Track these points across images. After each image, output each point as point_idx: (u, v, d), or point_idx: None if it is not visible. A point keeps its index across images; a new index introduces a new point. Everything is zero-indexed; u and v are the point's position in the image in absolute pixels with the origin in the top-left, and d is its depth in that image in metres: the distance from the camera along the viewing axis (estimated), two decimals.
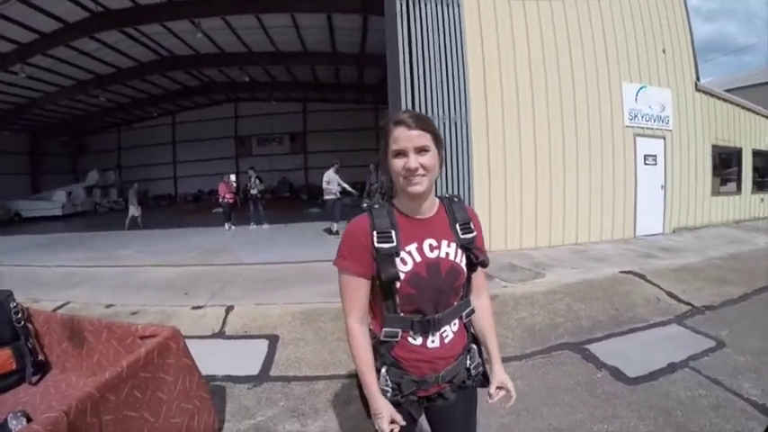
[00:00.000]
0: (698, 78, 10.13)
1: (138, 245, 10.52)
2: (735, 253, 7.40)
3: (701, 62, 10.21)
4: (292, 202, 23.10)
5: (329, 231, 10.59)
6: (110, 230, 14.35)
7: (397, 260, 1.34)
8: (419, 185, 1.32)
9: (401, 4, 6.16)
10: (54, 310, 5.54)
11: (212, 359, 4.04)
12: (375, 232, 1.36)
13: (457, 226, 1.45)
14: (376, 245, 1.34)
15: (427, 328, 1.40)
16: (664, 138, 9.41)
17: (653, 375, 3.39)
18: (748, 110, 11.42)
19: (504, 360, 3.66)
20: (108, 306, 5.64)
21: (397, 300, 1.37)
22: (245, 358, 4.09)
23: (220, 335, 4.69)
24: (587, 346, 4.01)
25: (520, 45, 7.94)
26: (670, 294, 5.33)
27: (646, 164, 9.10)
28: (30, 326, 3.11)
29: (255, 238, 10.96)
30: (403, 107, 6.20)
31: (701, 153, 10.17)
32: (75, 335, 2.96)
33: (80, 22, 12.38)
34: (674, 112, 9.51)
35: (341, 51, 16.38)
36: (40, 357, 3.08)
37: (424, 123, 1.34)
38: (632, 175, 8.93)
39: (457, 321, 1.48)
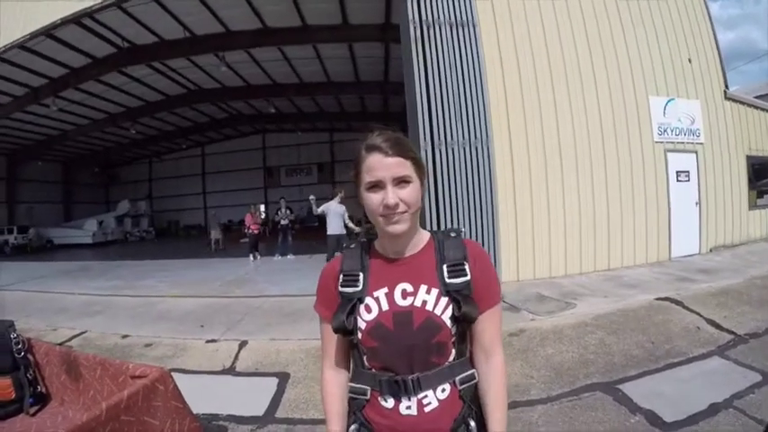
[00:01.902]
0: (726, 86, 9.75)
1: (162, 275, 10.62)
2: None
3: (727, 71, 9.85)
4: (319, 232, 23.18)
5: None
6: (139, 259, 14.51)
7: (361, 307, 1.15)
8: (399, 225, 1.11)
9: (415, 29, 6.09)
10: (71, 339, 5.64)
11: (219, 396, 3.97)
12: (342, 274, 1.21)
13: (444, 267, 1.16)
14: (340, 288, 1.19)
15: (397, 390, 1.12)
16: (696, 152, 9.00)
17: (693, 419, 3.04)
18: None
19: (529, 403, 3.45)
20: (124, 336, 5.64)
21: (363, 352, 1.17)
22: (252, 397, 3.92)
23: (231, 371, 4.56)
24: (620, 386, 3.66)
25: (540, 64, 7.74)
26: (710, 322, 4.92)
27: (678, 180, 8.68)
28: (30, 357, 3.11)
29: (279, 269, 10.90)
30: (421, 132, 6.06)
31: (735, 165, 9.68)
32: (72, 369, 2.94)
33: (108, 57, 12.97)
34: (704, 124, 9.10)
35: (364, 80, 16.61)
36: (40, 389, 3.06)
37: (403, 149, 1.12)
38: (664, 193, 8.51)
39: (447, 387, 1.15)
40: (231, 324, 5.95)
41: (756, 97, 12.14)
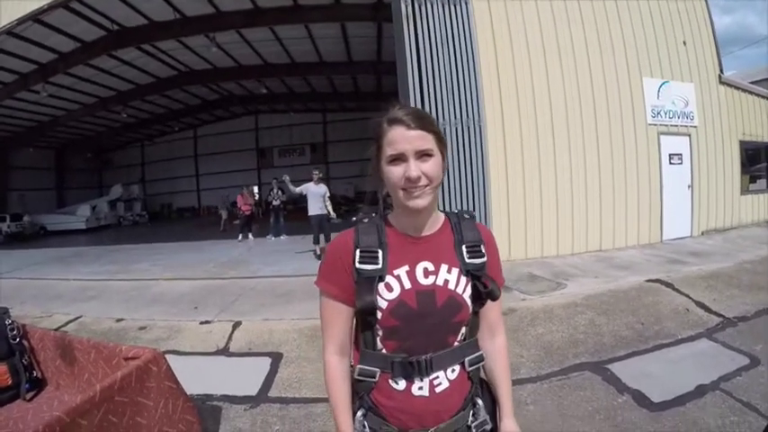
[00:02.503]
0: (721, 71, 9.71)
1: (156, 258, 10.61)
2: None
3: (722, 55, 9.83)
4: None
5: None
6: (133, 243, 14.48)
7: (381, 286, 1.12)
8: (421, 199, 1.09)
9: (406, 5, 6.00)
10: (66, 324, 5.64)
11: (213, 377, 4.01)
12: (358, 251, 1.15)
13: (463, 248, 1.18)
14: (357, 265, 1.13)
15: (411, 371, 1.13)
16: (689, 135, 9.00)
17: (680, 400, 3.08)
18: None
19: (519, 382, 3.48)
20: (118, 320, 5.64)
21: (379, 332, 1.14)
22: (245, 377, 3.96)
23: (224, 351, 4.59)
24: (609, 366, 3.71)
25: (534, 43, 7.68)
26: (700, 305, 4.98)
27: (671, 163, 8.70)
28: (25, 343, 3.11)
29: (272, 250, 10.90)
30: None
31: (728, 149, 9.71)
32: (67, 353, 2.94)
33: (97, 40, 12.72)
34: (698, 108, 9.10)
35: (357, 60, 16.39)
36: (36, 374, 3.06)
37: (425, 122, 1.11)
38: (657, 175, 8.54)
39: (457, 368, 1.18)
40: (225, 305, 5.97)
41: (752, 83, 12.14)
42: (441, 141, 1.13)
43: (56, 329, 4.84)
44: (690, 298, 5.18)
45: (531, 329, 4.55)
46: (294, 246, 11.09)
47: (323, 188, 9.01)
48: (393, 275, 1.13)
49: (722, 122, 9.59)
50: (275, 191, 13.10)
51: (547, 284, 5.94)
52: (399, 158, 1.08)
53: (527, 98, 7.64)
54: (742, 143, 10.00)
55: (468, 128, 6.26)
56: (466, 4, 6.19)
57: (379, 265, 1.13)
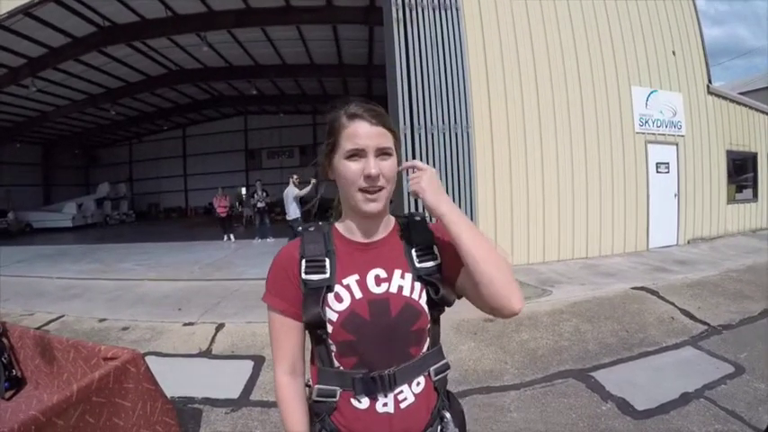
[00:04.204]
0: (710, 81, 9.84)
1: (141, 258, 10.48)
2: (753, 264, 7.05)
3: (711, 66, 9.97)
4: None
5: None
6: (119, 242, 14.32)
7: (330, 296, 1.04)
8: (377, 203, 1.03)
9: (397, 10, 6.00)
10: (48, 323, 5.57)
11: (194, 379, 3.97)
12: (304, 261, 1.07)
13: (413, 252, 1.10)
14: (303, 276, 1.06)
15: (374, 388, 1.02)
16: (676, 144, 9.09)
17: (664, 408, 3.09)
18: (763, 112, 11.03)
19: (502, 389, 3.48)
20: (101, 320, 5.58)
21: (333, 348, 1.05)
22: (227, 380, 3.92)
23: (207, 353, 4.55)
24: (593, 374, 3.71)
25: (524, 50, 7.73)
26: (684, 312, 5.02)
27: (658, 172, 8.79)
28: (5, 341, 3.07)
29: (258, 253, 10.81)
30: (401, 116, 6.00)
31: (715, 159, 9.82)
32: (46, 352, 2.90)
33: (88, 36, 12.55)
34: (686, 117, 9.21)
35: (348, 63, 16.33)
36: (15, 372, 3.03)
37: (385, 120, 1.06)
38: (644, 184, 8.62)
39: (422, 380, 1.08)
40: (208, 307, 5.92)
41: (740, 93, 12.31)
42: (397, 141, 1.09)
43: (37, 328, 4.76)
44: (675, 306, 5.22)
45: (516, 336, 4.54)
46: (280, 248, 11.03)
47: (295, 190, 9.50)
48: (342, 285, 1.05)
49: (710, 132, 9.70)
50: (259, 192, 13.03)
51: (532, 291, 5.94)
52: (358, 154, 1.02)
53: (516, 104, 7.67)
54: (729, 153, 10.13)
55: (457, 133, 6.27)
56: (457, 10, 6.21)
57: (327, 275, 1.05)
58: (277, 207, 15.66)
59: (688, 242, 9.21)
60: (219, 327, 5.09)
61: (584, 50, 8.10)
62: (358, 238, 1.11)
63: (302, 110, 26.53)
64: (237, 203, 20.50)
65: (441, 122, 6.09)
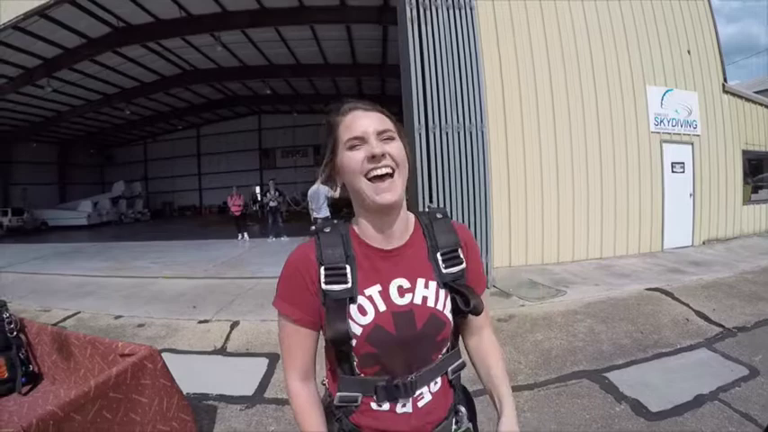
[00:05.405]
0: (725, 79, 9.70)
1: (155, 256, 10.60)
2: None
3: (726, 65, 9.83)
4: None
5: None
6: (134, 240, 14.49)
7: (353, 308, 0.98)
8: (389, 192, 0.95)
9: (411, 10, 5.99)
10: (64, 320, 5.65)
11: (209, 376, 4.00)
12: (323, 268, 0.99)
13: (438, 256, 1.04)
14: (323, 286, 0.98)
15: (396, 393, 1.01)
16: (692, 143, 8.98)
17: (678, 410, 3.05)
18: None
19: (516, 389, 3.45)
20: (117, 317, 5.65)
21: (354, 359, 1.01)
22: (242, 377, 3.94)
23: (222, 351, 4.58)
24: (607, 375, 3.68)
25: (538, 49, 7.69)
26: (699, 314, 4.96)
27: (673, 172, 8.68)
28: (22, 336, 3.13)
29: (272, 251, 10.86)
30: (415, 116, 5.99)
31: (731, 159, 9.68)
32: (63, 348, 2.96)
33: (103, 37, 12.75)
34: (701, 116, 9.08)
35: (362, 63, 16.40)
36: (33, 368, 3.08)
37: (379, 107, 1.03)
38: (659, 184, 8.52)
39: (439, 380, 1.07)
40: (223, 305, 5.95)
41: (755, 92, 12.11)
42: (401, 130, 1.04)
43: (54, 325, 4.84)
44: (690, 307, 5.16)
45: (530, 336, 4.53)
46: (295, 247, 11.07)
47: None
48: (365, 296, 0.99)
49: (725, 131, 9.56)
50: (272, 191, 13.13)
51: (546, 291, 5.92)
52: (359, 140, 0.97)
53: (530, 104, 7.63)
54: (745, 153, 9.98)
55: (471, 132, 6.24)
56: (471, 9, 6.18)
57: (349, 285, 0.98)
58: (291, 207, 15.70)
59: (703, 243, 9.09)
60: (234, 324, 5.13)
61: (598, 49, 8.03)
62: (377, 243, 1.04)
63: (316, 109, 26.61)
64: (252, 202, 20.66)
65: (455, 122, 6.07)
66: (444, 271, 1.03)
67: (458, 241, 1.08)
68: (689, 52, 8.97)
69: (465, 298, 1.01)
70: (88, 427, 2.01)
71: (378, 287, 1.00)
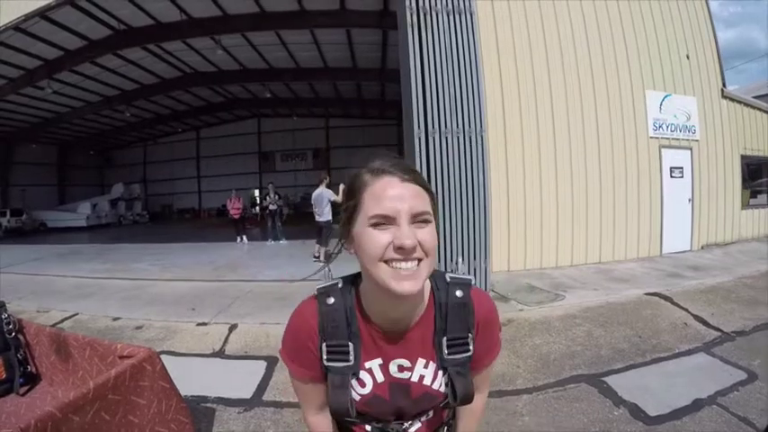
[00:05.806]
0: (724, 84, 9.74)
1: (154, 258, 10.60)
2: (767, 271, 6.94)
3: (725, 69, 9.87)
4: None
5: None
6: (133, 243, 14.50)
7: (353, 381, 0.98)
8: (412, 281, 0.82)
9: (411, 15, 6.01)
10: (62, 321, 5.64)
11: (207, 379, 3.98)
12: (325, 345, 0.96)
13: (444, 341, 0.98)
14: (325, 362, 0.97)
15: None
16: (690, 149, 9.00)
17: (676, 414, 3.06)
18: None
19: (514, 393, 3.47)
20: (115, 319, 5.65)
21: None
22: (240, 380, 3.94)
23: (220, 353, 4.57)
24: (605, 379, 3.68)
25: (537, 55, 7.72)
26: (698, 319, 4.97)
27: (672, 176, 8.70)
28: (21, 337, 3.12)
29: (272, 254, 10.90)
30: (415, 120, 6.00)
31: (729, 164, 9.70)
32: (62, 349, 2.94)
33: (103, 39, 12.79)
34: (700, 121, 9.11)
35: (362, 67, 16.45)
36: (31, 369, 3.08)
37: (419, 177, 0.88)
38: (658, 188, 8.54)
39: (431, 412, 1.08)
40: (222, 307, 5.95)
41: (754, 97, 12.15)
42: (435, 204, 0.90)
43: (52, 326, 4.83)
44: (688, 312, 5.16)
45: (529, 340, 4.53)
46: (294, 250, 11.08)
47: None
48: (365, 369, 0.98)
49: (724, 136, 9.60)
50: (272, 195, 13.15)
51: (545, 296, 5.92)
52: (386, 221, 0.82)
53: (529, 109, 7.66)
54: (743, 158, 10.01)
55: (471, 137, 6.26)
56: (471, 15, 6.20)
57: (351, 362, 0.96)
58: (290, 210, 15.73)
59: (702, 248, 9.10)
60: (233, 327, 5.12)
61: (597, 54, 8.06)
62: (382, 322, 0.97)
63: (316, 113, 26.72)
64: (251, 205, 20.67)
65: (455, 126, 6.08)
66: (447, 357, 0.98)
67: (471, 326, 1.00)
68: (688, 57, 9.01)
69: (454, 392, 0.98)
70: (86, 429, 1.99)
71: (379, 360, 0.99)
